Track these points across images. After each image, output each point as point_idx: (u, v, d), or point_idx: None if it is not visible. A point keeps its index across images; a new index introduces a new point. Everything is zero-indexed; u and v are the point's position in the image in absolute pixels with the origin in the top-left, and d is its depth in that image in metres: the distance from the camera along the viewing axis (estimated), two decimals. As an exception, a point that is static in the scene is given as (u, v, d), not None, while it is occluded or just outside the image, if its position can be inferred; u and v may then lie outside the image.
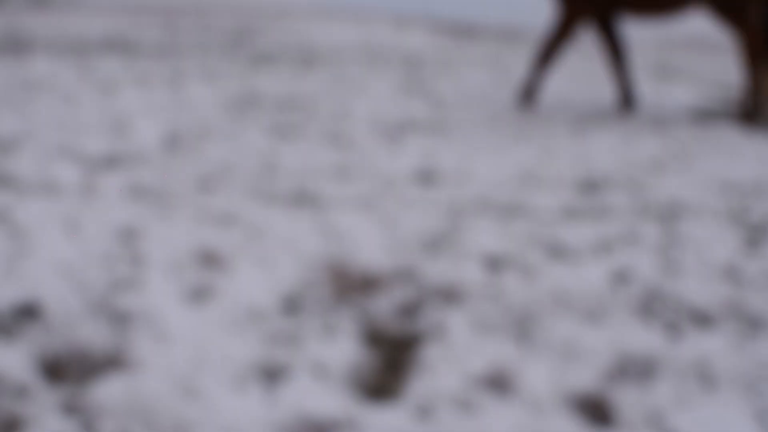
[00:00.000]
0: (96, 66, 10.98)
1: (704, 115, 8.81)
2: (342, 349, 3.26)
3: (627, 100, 8.83)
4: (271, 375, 3.05)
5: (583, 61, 12.55)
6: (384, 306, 3.69)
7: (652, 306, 3.75)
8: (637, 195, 5.61)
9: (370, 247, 4.39)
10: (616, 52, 8.83)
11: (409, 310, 3.67)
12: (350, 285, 3.92)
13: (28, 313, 3.50)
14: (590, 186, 5.80)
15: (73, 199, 5.14)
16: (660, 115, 8.69)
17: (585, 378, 3.07)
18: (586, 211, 5.20)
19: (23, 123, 7.08)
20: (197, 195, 5.30)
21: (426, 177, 5.89)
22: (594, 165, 6.42)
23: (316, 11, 22.73)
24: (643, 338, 3.40)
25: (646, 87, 10.11)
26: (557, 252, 4.44)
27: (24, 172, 5.68)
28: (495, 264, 4.21)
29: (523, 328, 3.50)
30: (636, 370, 3.16)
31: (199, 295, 3.73)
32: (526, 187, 5.72)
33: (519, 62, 12.06)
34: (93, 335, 3.29)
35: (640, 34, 13.50)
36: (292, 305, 3.67)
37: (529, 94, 8.69)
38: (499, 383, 3.03)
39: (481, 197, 5.41)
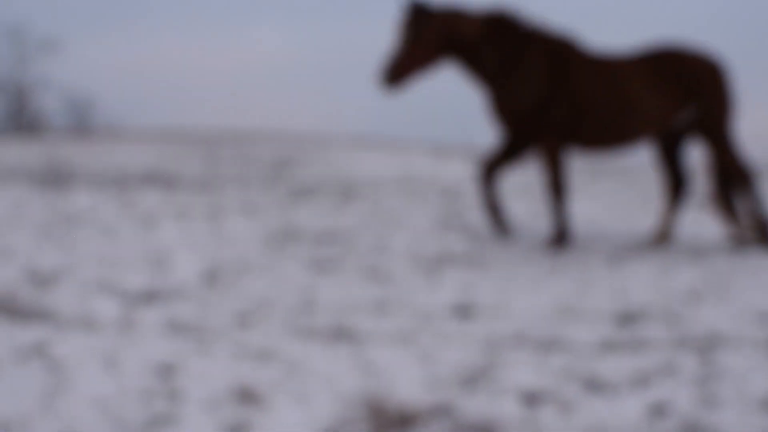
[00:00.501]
0: (136, 199, 11.14)
1: (741, 244, 8.79)
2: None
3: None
4: None
5: (618, 191, 12.59)
6: (421, 442, 3.66)
7: (690, 439, 3.70)
8: (675, 326, 5.58)
9: (407, 383, 4.37)
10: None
11: (446, 446, 3.64)
12: (387, 421, 3.90)
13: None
14: (627, 318, 5.77)
15: (112, 334, 5.17)
16: (697, 245, 8.68)
17: None
18: (623, 343, 5.16)
19: (63, 257, 7.17)
20: (235, 330, 5.32)
21: (463, 311, 5.88)
22: (631, 296, 6.40)
23: (355, 141, 23.01)
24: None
25: (684, 216, 10.11)
26: (594, 385, 4.40)
27: (63, 306, 5.74)
28: (532, 399, 4.17)
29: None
30: None
31: (236, 432, 3.72)
32: (563, 320, 5.71)
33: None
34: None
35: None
36: (329, 442, 3.65)
37: (561, 234, 8.64)
38: None
39: (518, 331, 5.39)
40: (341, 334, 5.26)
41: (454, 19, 8.71)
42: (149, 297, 6.06)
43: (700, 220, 10.31)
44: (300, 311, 5.82)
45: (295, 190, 12.61)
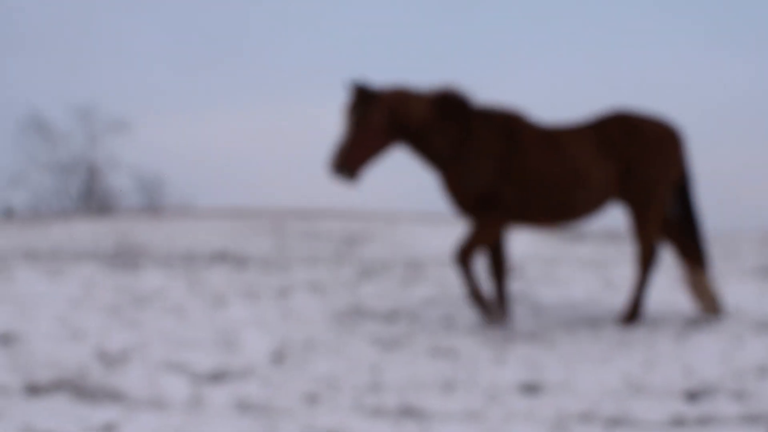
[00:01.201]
0: (205, 278, 11.27)
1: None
2: None
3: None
4: None
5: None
6: None
7: None
8: (745, 402, 5.49)
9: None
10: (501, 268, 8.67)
11: None
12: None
13: None
14: (696, 394, 5.69)
15: (181, 413, 5.22)
16: (764, 316, 8.55)
17: None
18: (692, 420, 5.10)
19: (133, 336, 7.26)
20: (303, 409, 5.35)
21: (530, 388, 5.85)
22: (700, 372, 6.31)
23: (422, 218, 23.07)
24: None
25: (749, 287, 9.99)
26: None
27: (133, 386, 5.80)
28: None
29: None
30: None
31: None
32: (631, 397, 5.65)
33: (622, 265, 12.02)
34: None
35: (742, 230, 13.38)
36: None
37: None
38: None
39: (586, 408, 5.35)
40: (408, 413, 5.26)
41: (401, 100, 8.57)
42: (218, 376, 6.12)
43: (764, 289, 10.18)
44: (367, 390, 5.83)
45: (363, 268, 12.67)
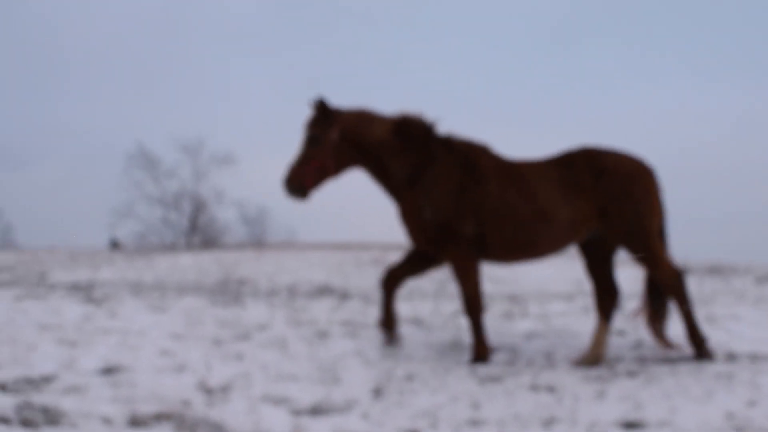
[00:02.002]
0: (307, 311, 11.31)
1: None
2: None
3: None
4: None
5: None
6: None
7: None
8: None
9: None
10: (478, 301, 8.36)
11: None
12: None
13: None
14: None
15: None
16: None
17: None
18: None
19: (235, 369, 7.29)
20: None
21: (631, 425, 5.75)
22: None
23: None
24: None
25: None
26: None
27: (234, 419, 5.82)
28: None
29: None
30: None
31: None
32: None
33: (722, 300, 11.73)
34: None
35: None
36: None
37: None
38: None
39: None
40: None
41: (359, 120, 8.45)
42: (319, 410, 6.11)
43: None
44: (467, 424, 5.78)
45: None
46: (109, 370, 7.10)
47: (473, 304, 8.25)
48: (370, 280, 19.25)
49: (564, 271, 18.78)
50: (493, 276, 17.02)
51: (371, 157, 8.41)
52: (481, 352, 8.15)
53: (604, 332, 8.37)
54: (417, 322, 10.37)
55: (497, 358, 8.25)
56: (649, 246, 8.27)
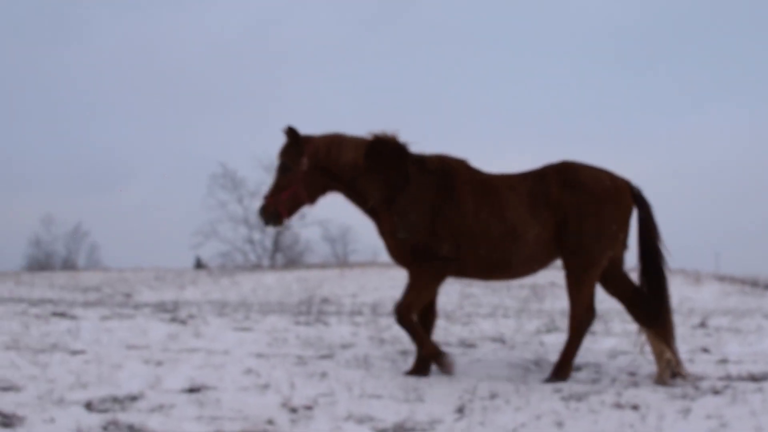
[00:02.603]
0: (390, 329, 11.28)
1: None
2: None
3: None
4: None
5: None
6: None
7: None
8: None
9: None
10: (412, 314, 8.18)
11: None
12: None
13: None
14: None
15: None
16: None
17: None
18: None
19: (319, 388, 7.28)
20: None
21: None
22: None
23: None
24: None
25: None
26: None
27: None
28: None
29: None
30: None
31: None
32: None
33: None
34: None
35: None
36: None
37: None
38: None
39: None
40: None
41: (331, 144, 8.31)
42: (402, 429, 6.08)
43: None
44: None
45: (548, 320, 12.46)
46: (194, 389, 7.14)
47: (401, 314, 8.06)
48: (453, 299, 19.18)
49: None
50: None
51: (344, 181, 8.32)
52: (429, 351, 8.11)
53: (658, 342, 8.11)
54: (500, 340, 10.27)
55: (581, 376, 8.13)
56: (588, 269, 8.05)
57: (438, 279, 8.16)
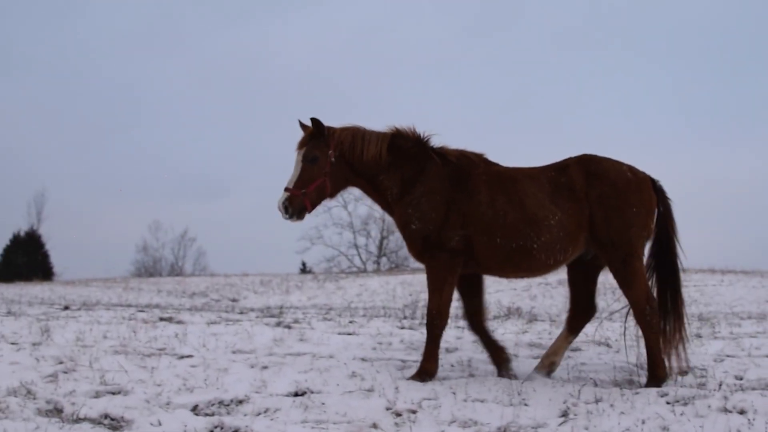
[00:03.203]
0: (494, 333, 11.19)
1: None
2: None
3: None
4: None
5: None
6: None
7: None
8: None
9: None
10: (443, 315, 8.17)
11: None
12: None
13: None
14: None
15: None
16: None
17: None
18: None
19: (423, 392, 7.25)
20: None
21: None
22: None
23: (715, 272, 22.22)
24: None
25: None
26: None
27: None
28: None
29: None
30: None
31: None
32: None
33: None
34: None
35: None
36: None
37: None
38: None
39: None
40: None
41: (353, 136, 8.19)
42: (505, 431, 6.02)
43: None
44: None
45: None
46: (299, 393, 7.19)
47: (436, 320, 8.07)
48: (558, 302, 18.97)
49: (755, 291, 18.05)
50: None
51: (365, 174, 8.26)
52: (429, 368, 7.99)
53: (564, 344, 8.41)
54: (604, 343, 10.11)
55: (687, 380, 7.95)
56: (629, 262, 7.92)
57: (452, 272, 8.07)
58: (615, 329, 11.42)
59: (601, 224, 7.90)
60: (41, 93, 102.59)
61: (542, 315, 15.06)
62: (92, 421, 6.28)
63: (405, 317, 14.17)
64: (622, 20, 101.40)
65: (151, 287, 31.24)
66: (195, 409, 6.68)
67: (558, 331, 11.39)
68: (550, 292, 21.78)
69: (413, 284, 27.02)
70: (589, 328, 11.46)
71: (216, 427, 6.12)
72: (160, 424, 6.16)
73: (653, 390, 7.36)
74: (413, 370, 8.24)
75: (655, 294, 8.19)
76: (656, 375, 7.81)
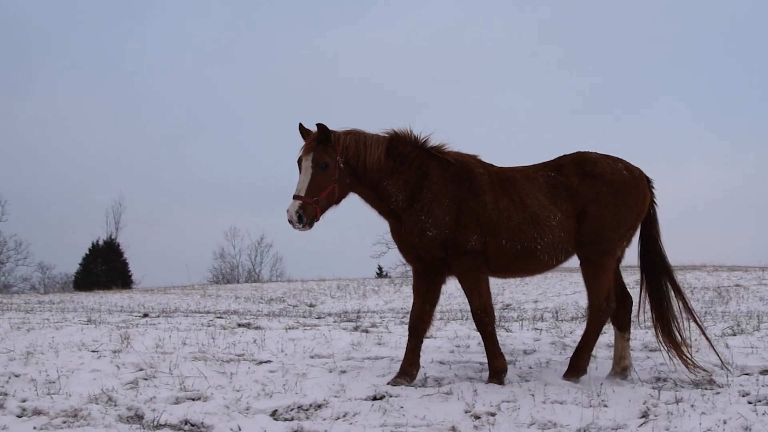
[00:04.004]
0: (572, 335, 11.07)
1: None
2: None
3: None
4: None
5: None
6: None
7: None
8: None
9: None
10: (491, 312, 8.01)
11: None
12: None
13: None
14: None
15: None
16: None
17: None
18: None
19: (502, 394, 7.21)
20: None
21: None
22: None
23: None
24: None
25: None
26: None
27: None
28: None
29: None
30: None
31: None
32: None
33: None
34: None
35: None
36: None
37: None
38: None
39: None
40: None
41: (358, 142, 7.93)
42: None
43: None
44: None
45: (733, 323, 12.02)
46: (377, 397, 7.17)
47: (484, 318, 7.92)
48: (636, 303, 18.69)
49: None
50: (761, 295, 16.20)
51: (368, 181, 8.01)
52: (498, 365, 7.88)
53: (624, 342, 8.32)
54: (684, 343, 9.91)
55: (766, 378, 7.77)
56: (605, 257, 7.97)
57: (481, 269, 7.96)
58: (694, 329, 11.21)
59: (591, 222, 7.91)
60: (119, 101, 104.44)
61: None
62: (172, 427, 6.33)
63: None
64: (700, 16, 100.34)
65: (228, 294, 31.51)
66: (274, 414, 6.70)
67: (636, 330, 11.23)
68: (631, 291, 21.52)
69: (491, 286, 26.96)
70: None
71: (295, 431, 6.13)
72: (240, 429, 6.18)
73: (734, 389, 7.22)
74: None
75: (647, 295, 8.48)
76: (577, 366, 7.95)
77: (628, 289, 8.62)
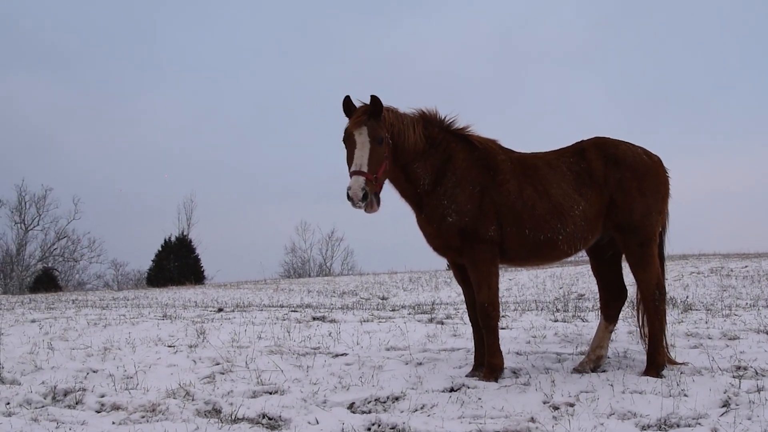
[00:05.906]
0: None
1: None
2: None
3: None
4: None
5: None
6: None
7: None
8: None
9: None
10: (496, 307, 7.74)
11: None
12: None
13: None
14: None
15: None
16: None
17: None
18: None
19: (580, 385, 7.14)
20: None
21: None
22: None
23: None
24: None
25: None
26: None
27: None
28: None
29: None
30: None
31: None
32: None
33: None
34: None
35: None
36: None
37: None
38: None
39: None
40: None
41: (398, 119, 7.62)
42: (666, 424, 5.99)
43: None
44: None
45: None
46: (455, 389, 7.14)
47: (491, 312, 7.69)
48: (712, 291, 18.41)
49: None
50: None
51: (402, 160, 7.70)
52: (495, 363, 7.69)
53: (605, 335, 8.20)
54: (764, 331, 9.72)
55: None
56: (646, 245, 7.78)
57: (495, 263, 7.72)
58: (701, 319, 11.02)
59: (622, 209, 7.75)
60: (191, 98, 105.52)
61: (696, 304, 14.61)
62: (250, 420, 6.35)
63: (557, 310, 13.96)
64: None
65: (301, 287, 31.60)
66: (351, 407, 6.70)
67: (715, 318, 11.04)
68: (702, 281, 21.19)
69: (563, 277, 26.69)
70: (746, 317, 11.06)
71: (373, 424, 6.12)
72: (317, 422, 6.18)
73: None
74: (570, 363, 8.11)
75: (622, 290, 8.35)
76: (655, 362, 7.71)
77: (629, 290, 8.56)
